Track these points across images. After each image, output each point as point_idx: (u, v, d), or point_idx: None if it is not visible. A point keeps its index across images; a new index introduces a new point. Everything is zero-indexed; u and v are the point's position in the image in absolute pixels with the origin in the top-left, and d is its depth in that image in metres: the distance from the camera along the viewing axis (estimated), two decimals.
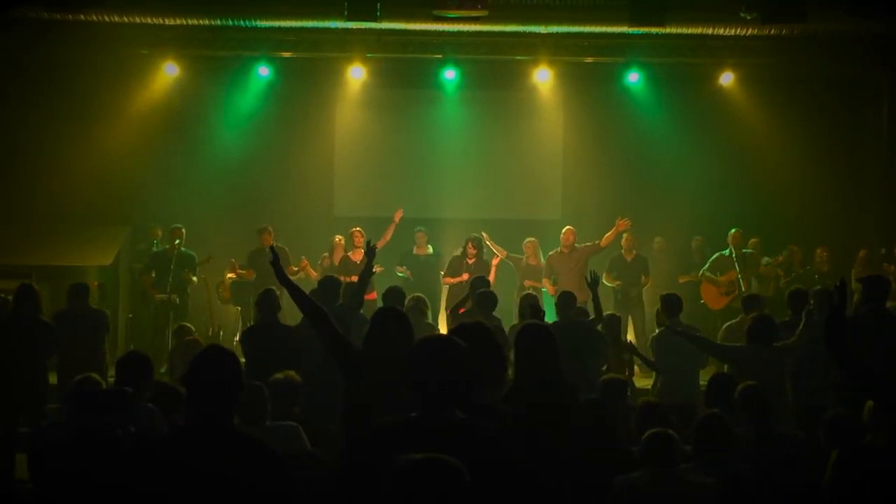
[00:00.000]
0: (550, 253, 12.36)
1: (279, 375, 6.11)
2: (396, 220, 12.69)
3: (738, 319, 9.01)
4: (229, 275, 13.22)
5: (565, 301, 8.46)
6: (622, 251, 12.71)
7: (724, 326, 8.99)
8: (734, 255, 12.32)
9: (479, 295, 8.46)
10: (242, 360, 7.07)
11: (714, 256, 12.59)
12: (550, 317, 10.44)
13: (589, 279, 8.50)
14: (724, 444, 4.70)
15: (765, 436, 5.28)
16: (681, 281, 12.87)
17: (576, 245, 12.20)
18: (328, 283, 8.39)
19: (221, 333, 12.92)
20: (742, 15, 10.22)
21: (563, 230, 12.35)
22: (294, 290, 5.42)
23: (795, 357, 7.30)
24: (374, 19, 11.18)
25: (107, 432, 3.96)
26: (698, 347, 7.85)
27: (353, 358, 5.08)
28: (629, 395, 6.94)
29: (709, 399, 6.05)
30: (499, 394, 3.89)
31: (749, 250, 12.60)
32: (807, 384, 7.39)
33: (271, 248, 5.61)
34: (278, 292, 8.38)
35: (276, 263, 5.47)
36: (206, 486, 3.19)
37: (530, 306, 7.98)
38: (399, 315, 5.20)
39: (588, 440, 4.65)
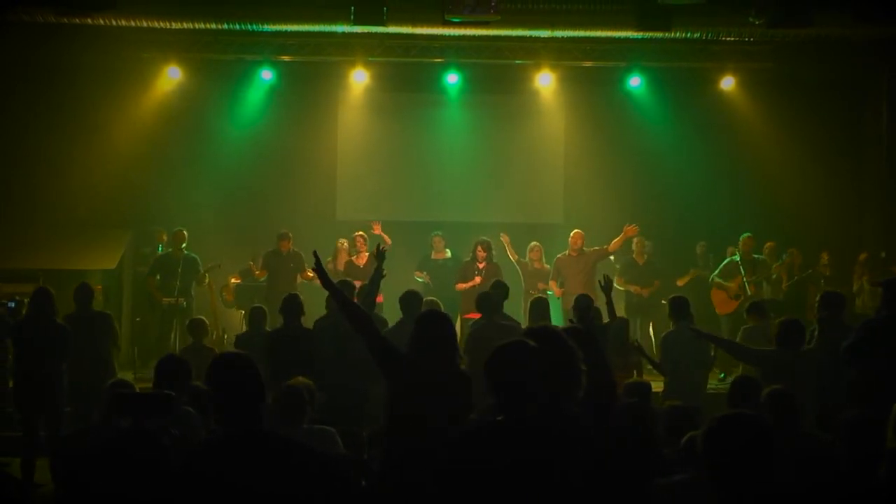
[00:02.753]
0: (558, 256, 12.38)
1: (292, 382, 6.09)
2: (377, 231, 12.56)
3: (754, 323, 9.06)
4: (233, 279, 13.22)
5: (580, 305, 8.46)
6: (633, 255, 12.76)
7: (742, 329, 9.01)
8: (741, 261, 12.37)
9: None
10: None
11: (725, 261, 12.64)
12: (556, 319, 10.51)
13: (602, 283, 8.54)
14: None
15: (794, 438, 5.30)
16: (679, 283, 12.94)
17: (584, 248, 12.23)
18: (342, 287, 8.38)
19: (225, 337, 12.88)
20: (751, 20, 10.30)
21: (572, 233, 12.38)
22: (338, 295, 5.40)
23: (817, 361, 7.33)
24: (381, 23, 11.21)
25: (155, 435, 3.95)
26: (726, 350, 7.90)
27: (397, 362, 5.04)
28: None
29: (732, 401, 6.06)
30: (576, 398, 3.91)
31: (760, 256, 12.64)
32: (819, 385, 7.44)
33: (314, 253, 5.56)
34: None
35: (320, 269, 5.42)
36: (255, 492, 3.24)
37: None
38: (442, 318, 5.17)
39: (630, 443, 4.67)
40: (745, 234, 12.61)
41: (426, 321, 5.09)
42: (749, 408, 5.56)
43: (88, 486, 3.87)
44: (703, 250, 13.63)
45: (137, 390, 5.33)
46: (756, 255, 12.54)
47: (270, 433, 3.46)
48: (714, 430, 3.25)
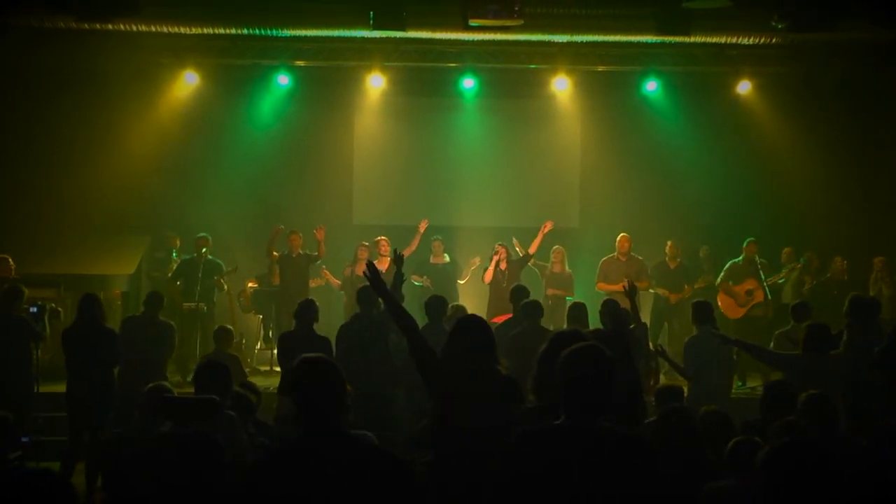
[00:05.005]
0: (605, 258, 12.38)
1: None
2: (422, 230, 12.66)
3: (789, 327, 9.03)
4: (250, 284, 13.23)
5: (609, 309, 8.45)
6: (666, 258, 12.73)
7: (776, 334, 8.97)
8: (757, 263, 12.32)
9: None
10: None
11: (728, 265, 12.59)
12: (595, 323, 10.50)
13: (626, 287, 8.52)
14: None
15: (833, 443, 5.29)
16: (696, 286, 12.92)
17: (632, 254, 12.23)
18: (367, 292, 8.42)
19: (244, 342, 12.91)
20: (773, 24, 10.29)
21: (619, 237, 12.40)
22: (390, 301, 5.32)
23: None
24: (401, 28, 11.22)
25: (205, 440, 3.96)
26: (753, 356, 7.87)
27: (435, 368, 5.02)
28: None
29: (766, 407, 6.04)
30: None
31: (761, 260, 12.59)
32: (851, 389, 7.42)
33: (370, 263, 5.48)
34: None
35: (375, 275, 5.32)
36: (337, 493, 3.22)
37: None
38: (481, 324, 5.15)
39: (676, 447, 4.68)
40: (750, 239, 12.57)
41: (465, 326, 5.07)
42: (786, 414, 5.57)
43: (146, 489, 3.87)
44: (707, 254, 13.59)
45: (176, 394, 5.34)
46: (760, 260, 12.49)
47: (350, 436, 3.43)
48: (780, 453, 3.46)
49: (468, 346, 4.89)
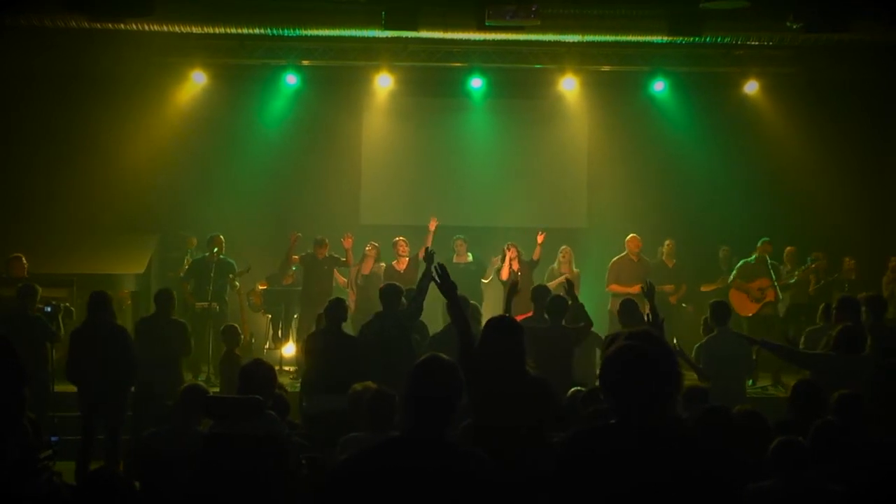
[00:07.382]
0: (615, 259, 12.40)
1: (358, 387, 6.07)
2: (432, 228, 12.57)
3: (820, 325, 9.01)
4: (260, 286, 13.21)
5: (628, 309, 8.48)
6: (663, 258, 12.74)
7: (806, 331, 8.94)
8: (768, 263, 12.34)
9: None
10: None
11: (740, 264, 12.59)
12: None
13: (646, 288, 8.53)
14: (841, 453, 4.76)
15: (865, 441, 5.32)
16: (703, 289, 12.92)
17: (643, 256, 12.24)
18: (390, 290, 8.43)
19: (253, 341, 12.88)
20: (788, 24, 10.34)
21: (629, 237, 12.44)
22: (453, 303, 5.27)
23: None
24: (413, 28, 11.23)
25: (257, 439, 3.98)
26: (780, 356, 7.87)
27: (470, 368, 5.01)
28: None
29: (794, 407, 6.07)
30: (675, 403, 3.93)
31: (772, 261, 12.59)
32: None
33: (439, 264, 5.42)
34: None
35: (445, 276, 5.27)
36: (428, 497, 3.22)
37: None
38: (513, 325, 5.15)
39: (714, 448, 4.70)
40: (764, 239, 12.59)
41: (495, 327, 5.07)
42: (815, 413, 5.61)
43: (197, 488, 3.87)
44: (727, 254, 13.59)
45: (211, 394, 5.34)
46: (771, 261, 12.51)
47: (447, 440, 3.39)
48: None
49: (499, 346, 4.90)
